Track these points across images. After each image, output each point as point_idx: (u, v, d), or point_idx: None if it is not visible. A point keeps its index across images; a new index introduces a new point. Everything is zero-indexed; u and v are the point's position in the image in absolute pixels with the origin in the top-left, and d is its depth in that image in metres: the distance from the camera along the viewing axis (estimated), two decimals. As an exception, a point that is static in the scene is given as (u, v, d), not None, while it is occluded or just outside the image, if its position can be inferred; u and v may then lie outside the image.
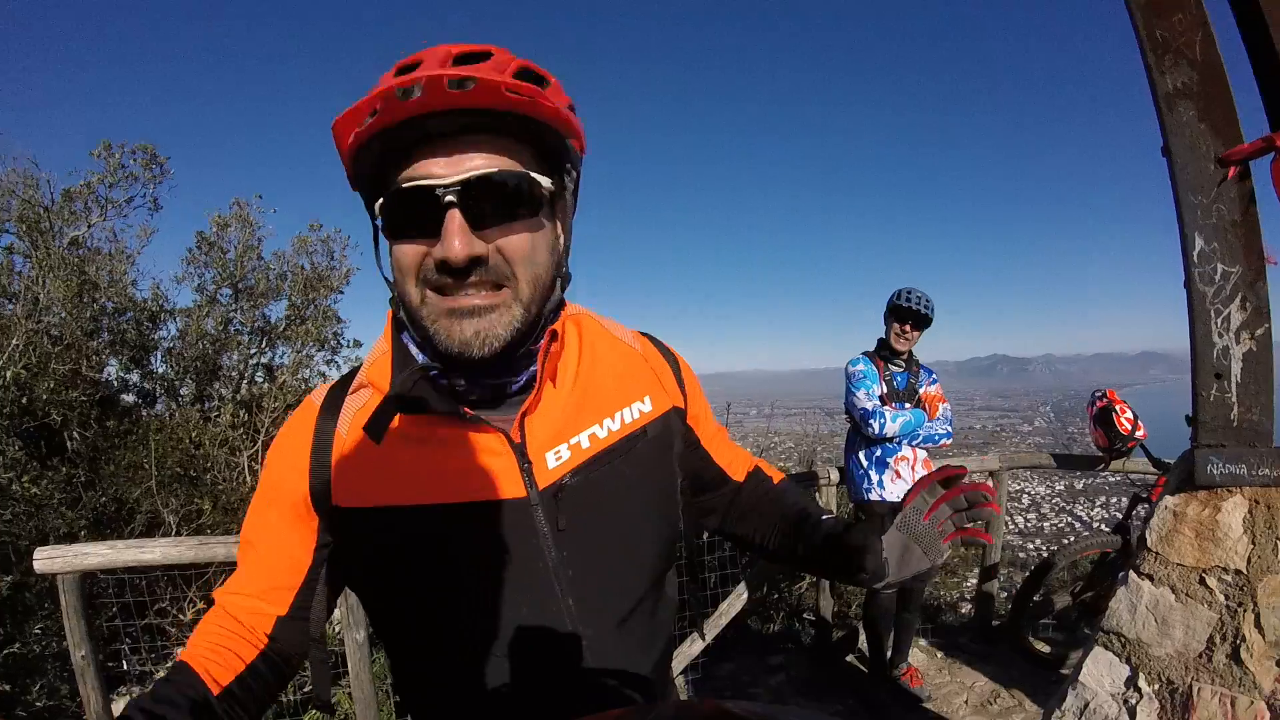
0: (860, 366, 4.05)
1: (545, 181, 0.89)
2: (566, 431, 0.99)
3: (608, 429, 1.02)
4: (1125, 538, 4.24)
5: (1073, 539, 4.61)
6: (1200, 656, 1.87)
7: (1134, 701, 1.95)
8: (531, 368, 0.97)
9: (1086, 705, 2.04)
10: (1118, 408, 4.29)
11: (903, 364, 4.08)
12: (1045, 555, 4.76)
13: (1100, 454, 4.50)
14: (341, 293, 7.99)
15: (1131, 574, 2.05)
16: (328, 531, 0.99)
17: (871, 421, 3.86)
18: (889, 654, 4.26)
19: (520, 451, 0.95)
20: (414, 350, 0.98)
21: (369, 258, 0.94)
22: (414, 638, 1.00)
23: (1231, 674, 1.80)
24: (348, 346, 8.08)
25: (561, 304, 1.02)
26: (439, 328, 0.87)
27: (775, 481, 1.30)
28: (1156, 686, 1.92)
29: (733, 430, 1.32)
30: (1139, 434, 4.25)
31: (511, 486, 0.94)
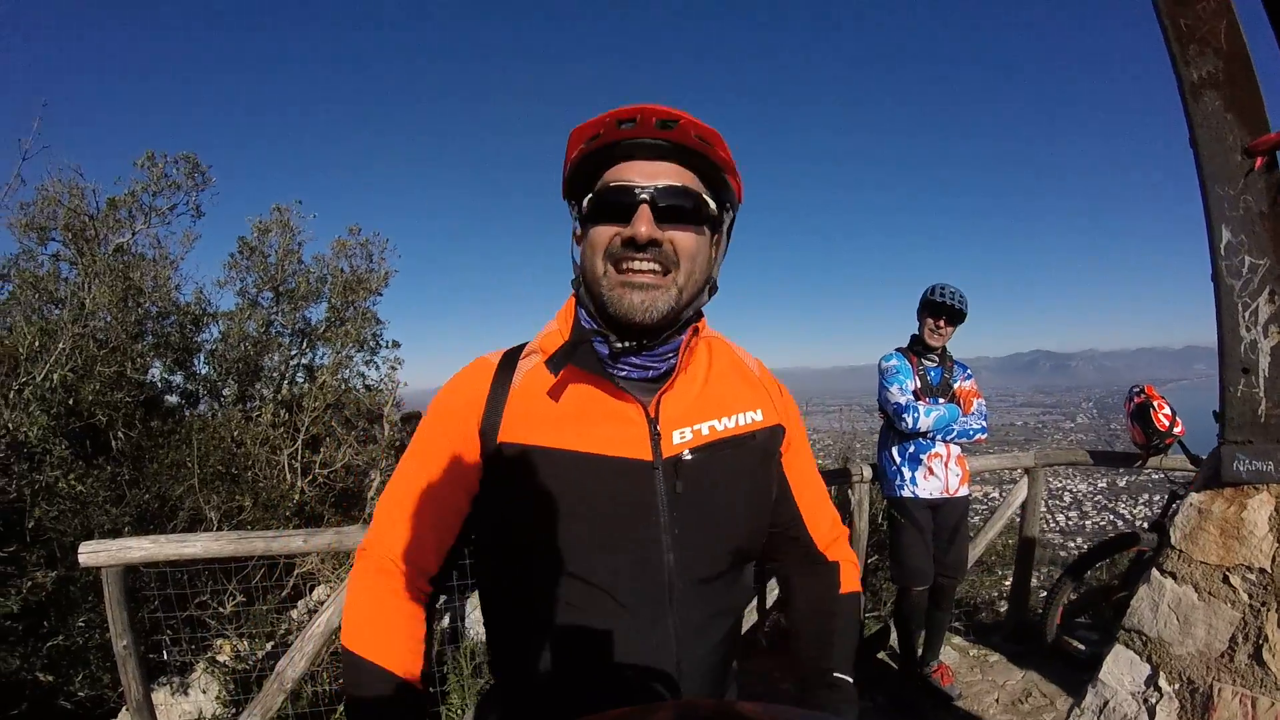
0: (893, 362, 4.03)
1: (713, 204, 1.17)
2: (692, 417, 1.20)
3: (725, 425, 1.22)
4: (1162, 536, 4.15)
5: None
6: (1222, 656, 1.83)
7: (1154, 701, 1.92)
8: (672, 360, 1.19)
9: (1106, 704, 2.02)
10: (1155, 403, 4.21)
11: (936, 359, 4.05)
12: (1078, 554, 4.69)
13: (1138, 451, 4.42)
14: (380, 295, 8.04)
15: (1154, 572, 2.02)
16: (485, 471, 1.17)
17: (905, 416, 3.84)
18: (920, 651, 4.23)
19: (653, 424, 1.17)
20: (586, 325, 1.20)
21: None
22: (527, 564, 1.15)
23: (1253, 674, 1.76)
24: (386, 347, 8.15)
25: (701, 313, 1.26)
26: (613, 295, 1.12)
27: (842, 590, 1.39)
28: (1177, 686, 1.89)
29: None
30: (1177, 430, 4.17)
31: (641, 450, 1.15)
